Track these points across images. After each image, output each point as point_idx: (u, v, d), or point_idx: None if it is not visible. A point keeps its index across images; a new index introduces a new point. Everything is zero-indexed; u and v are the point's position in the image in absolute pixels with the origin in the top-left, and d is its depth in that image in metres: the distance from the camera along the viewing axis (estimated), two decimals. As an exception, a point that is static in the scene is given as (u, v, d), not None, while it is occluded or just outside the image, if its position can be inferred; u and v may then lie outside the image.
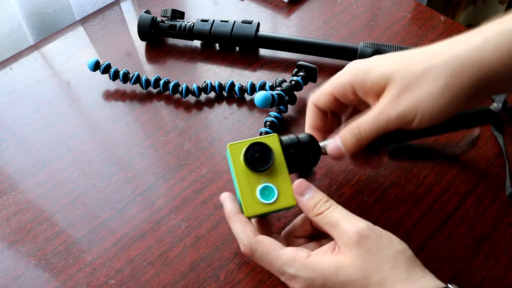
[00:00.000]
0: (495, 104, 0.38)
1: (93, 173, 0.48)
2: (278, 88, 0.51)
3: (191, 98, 0.54)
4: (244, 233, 0.35)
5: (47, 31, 0.68)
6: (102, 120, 0.53)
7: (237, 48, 0.60)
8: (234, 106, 0.53)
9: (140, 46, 0.61)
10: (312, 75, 0.52)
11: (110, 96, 0.55)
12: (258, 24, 0.58)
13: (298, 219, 0.39)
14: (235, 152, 0.36)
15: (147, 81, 0.54)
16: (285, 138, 0.38)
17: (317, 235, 0.38)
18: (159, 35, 0.60)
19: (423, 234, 0.42)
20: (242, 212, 0.36)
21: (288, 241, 0.39)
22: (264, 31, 0.58)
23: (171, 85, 0.53)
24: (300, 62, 0.52)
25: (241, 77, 0.56)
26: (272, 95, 0.48)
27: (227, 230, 0.43)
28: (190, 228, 0.44)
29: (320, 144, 0.39)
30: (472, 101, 0.33)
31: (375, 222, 0.42)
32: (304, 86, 0.52)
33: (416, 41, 0.59)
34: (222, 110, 0.53)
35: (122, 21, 0.64)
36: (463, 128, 0.39)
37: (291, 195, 0.36)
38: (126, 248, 0.43)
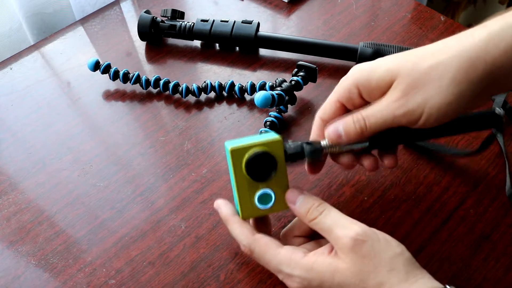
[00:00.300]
0: (498, 109, 0.38)
1: (93, 173, 0.48)
2: (278, 88, 0.51)
3: (191, 98, 0.54)
4: (242, 233, 0.36)
5: (47, 31, 0.68)
6: (102, 120, 0.53)
7: (237, 48, 0.60)
8: (234, 106, 0.53)
9: (140, 46, 0.61)
10: (312, 75, 0.52)
11: (110, 96, 0.55)
12: (258, 24, 0.58)
13: (297, 218, 0.39)
14: (237, 157, 0.35)
15: (147, 81, 0.54)
16: (289, 147, 0.37)
17: (316, 235, 0.38)
18: (159, 35, 0.60)
19: (423, 234, 0.42)
20: (239, 214, 0.37)
21: (287, 240, 0.39)
22: (264, 31, 0.58)
23: (171, 85, 0.53)
24: (300, 62, 0.52)
25: (241, 77, 0.56)
26: (272, 95, 0.48)
27: (227, 230, 0.43)
28: (190, 228, 0.44)
29: (322, 143, 0.38)
30: (479, 98, 0.32)
31: (375, 222, 0.43)
32: (304, 86, 0.52)
33: (416, 41, 0.59)
34: (222, 110, 0.53)
35: (122, 21, 0.64)
36: (468, 131, 0.39)
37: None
38: (126, 248, 0.43)
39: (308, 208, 0.35)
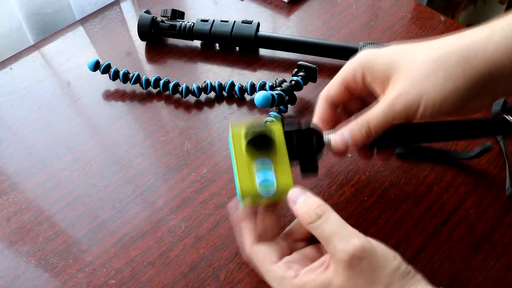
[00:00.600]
0: (509, 117, 0.38)
1: (93, 173, 0.48)
2: (278, 88, 0.51)
3: (191, 98, 0.54)
4: (244, 240, 0.36)
5: (47, 31, 0.68)
6: (102, 120, 0.53)
7: (237, 48, 0.60)
8: (234, 106, 0.53)
9: (140, 46, 0.61)
10: (312, 75, 0.52)
11: (110, 96, 0.55)
12: (258, 24, 0.58)
13: (296, 220, 0.38)
14: (237, 134, 0.36)
15: (147, 81, 0.54)
16: (287, 125, 0.38)
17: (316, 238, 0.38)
18: (159, 35, 0.60)
19: (423, 234, 0.42)
20: (239, 196, 0.36)
21: (287, 244, 0.38)
22: (264, 31, 0.58)
23: (171, 85, 0.53)
24: (300, 62, 0.52)
25: (241, 77, 0.56)
26: (272, 95, 0.48)
27: (227, 230, 0.43)
28: (190, 228, 0.44)
29: (324, 135, 0.38)
30: (479, 97, 0.33)
31: (375, 222, 0.43)
32: (304, 86, 0.52)
33: (416, 41, 0.58)
34: (222, 110, 0.53)
35: (122, 21, 0.64)
36: (477, 137, 0.39)
37: (288, 180, 0.36)
38: (126, 248, 0.43)
39: (307, 208, 0.34)
